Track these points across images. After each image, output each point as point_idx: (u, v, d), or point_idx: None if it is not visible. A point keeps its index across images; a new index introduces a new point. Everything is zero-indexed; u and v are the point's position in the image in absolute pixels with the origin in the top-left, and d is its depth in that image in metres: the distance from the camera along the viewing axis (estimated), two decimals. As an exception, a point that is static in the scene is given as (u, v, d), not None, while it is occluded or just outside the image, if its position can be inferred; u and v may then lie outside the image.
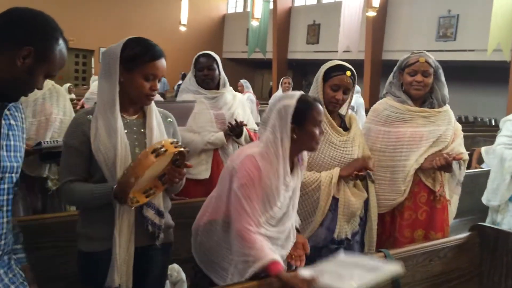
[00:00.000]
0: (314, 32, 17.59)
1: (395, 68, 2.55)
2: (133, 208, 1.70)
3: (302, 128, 1.84)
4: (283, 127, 1.81)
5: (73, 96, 9.58)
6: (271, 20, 17.50)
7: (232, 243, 1.82)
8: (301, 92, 1.90)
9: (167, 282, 2.45)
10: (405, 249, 2.24)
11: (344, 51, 13.48)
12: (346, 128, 2.36)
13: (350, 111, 2.44)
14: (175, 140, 1.68)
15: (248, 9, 18.23)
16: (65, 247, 2.25)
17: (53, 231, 2.28)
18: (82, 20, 17.17)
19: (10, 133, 1.40)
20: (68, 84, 10.00)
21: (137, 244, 1.79)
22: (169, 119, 1.94)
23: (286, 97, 1.87)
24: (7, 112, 1.40)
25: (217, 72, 3.06)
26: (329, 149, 2.26)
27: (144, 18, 18.57)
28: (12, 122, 1.42)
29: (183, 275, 2.55)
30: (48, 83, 2.67)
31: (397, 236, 2.50)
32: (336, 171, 2.22)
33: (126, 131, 1.76)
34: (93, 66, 18.30)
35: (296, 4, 18.46)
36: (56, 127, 2.66)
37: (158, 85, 1.80)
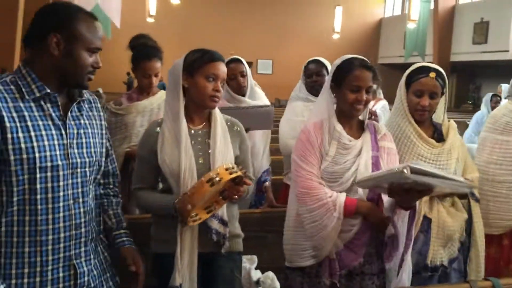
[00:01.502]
0: (481, 31, 15.91)
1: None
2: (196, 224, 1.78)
3: (339, 89, 1.91)
4: (326, 85, 1.99)
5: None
6: (431, 21, 16.39)
7: (299, 211, 1.92)
8: (357, 56, 1.95)
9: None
10: (523, 279, 1.90)
11: (517, 50, 11.95)
12: (441, 139, 2.10)
13: (449, 120, 2.15)
14: (231, 165, 1.71)
15: (406, 11, 17.39)
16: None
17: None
18: (241, 36, 18.40)
19: (82, 131, 1.53)
20: None
21: (203, 250, 1.85)
22: (236, 128, 1.97)
23: (340, 57, 1.97)
24: (77, 113, 1.54)
25: (326, 78, 2.99)
26: None
27: (298, 28, 19.07)
28: (84, 121, 1.55)
29: (277, 284, 2.54)
30: (163, 94, 2.92)
31: (517, 263, 2.13)
32: None
33: (192, 142, 1.83)
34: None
35: (461, 1, 16.97)
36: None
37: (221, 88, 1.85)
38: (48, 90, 1.45)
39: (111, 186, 1.74)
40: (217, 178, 1.64)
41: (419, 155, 2.04)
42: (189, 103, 1.87)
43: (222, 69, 1.84)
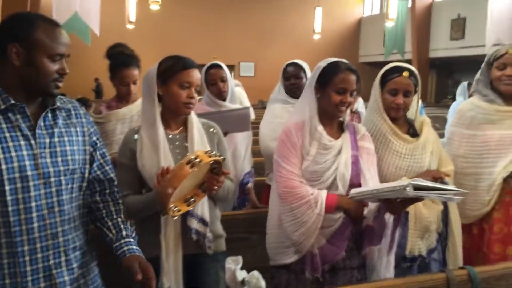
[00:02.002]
0: (458, 27, 16.19)
1: (482, 64, 2.27)
2: (175, 217, 1.77)
3: (324, 90, 1.95)
4: (309, 86, 2.01)
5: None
6: (409, 19, 16.64)
7: (280, 211, 1.97)
8: (342, 60, 1.99)
9: (245, 288, 2.51)
10: (496, 267, 1.98)
11: (494, 44, 12.18)
12: (416, 134, 2.17)
13: (424, 115, 2.24)
14: (209, 149, 1.72)
15: (385, 10, 17.63)
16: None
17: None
18: (222, 39, 18.43)
19: (56, 140, 1.51)
20: None
21: (187, 252, 1.87)
22: (212, 129, 2.00)
23: (324, 60, 2.00)
24: (51, 122, 1.53)
25: (304, 80, 3.04)
26: (393, 158, 2.11)
27: (279, 30, 19.18)
28: (60, 129, 1.53)
29: (263, 283, 2.58)
30: (144, 101, 2.95)
31: (486, 252, 2.21)
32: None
33: (170, 146, 1.86)
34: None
35: (437, -2, 17.27)
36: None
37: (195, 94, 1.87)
38: (13, 101, 1.45)
39: (107, 191, 1.69)
40: (197, 160, 1.61)
41: (395, 151, 2.11)
42: (164, 109, 1.89)
43: (196, 75, 1.86)
